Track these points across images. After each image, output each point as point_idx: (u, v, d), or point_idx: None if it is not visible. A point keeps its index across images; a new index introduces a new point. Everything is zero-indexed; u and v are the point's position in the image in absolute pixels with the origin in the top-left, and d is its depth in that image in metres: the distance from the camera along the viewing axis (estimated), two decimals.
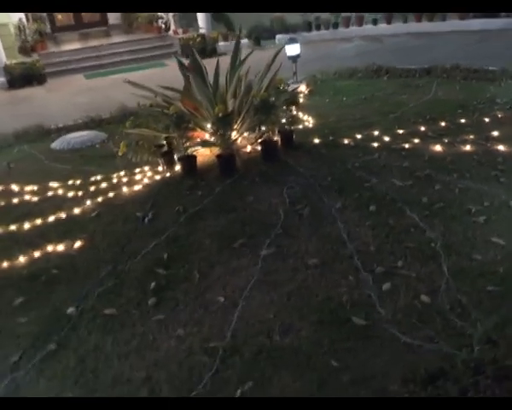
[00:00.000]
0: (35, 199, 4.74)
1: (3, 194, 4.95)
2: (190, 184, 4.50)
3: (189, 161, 4.60)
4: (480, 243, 3.45)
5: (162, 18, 13.98)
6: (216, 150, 4.78)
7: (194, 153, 4.79)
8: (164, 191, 4.49)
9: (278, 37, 13.93)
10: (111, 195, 4.55)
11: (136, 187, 4.62)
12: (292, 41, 7.67)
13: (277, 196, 4.23)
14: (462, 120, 5.82)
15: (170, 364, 2.70)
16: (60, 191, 4.82)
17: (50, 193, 4.82)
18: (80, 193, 4.72)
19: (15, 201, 4.76)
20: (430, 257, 3.35)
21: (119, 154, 4.84)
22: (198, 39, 12.69)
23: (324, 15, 14.04)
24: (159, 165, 4.96)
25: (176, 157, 4.76)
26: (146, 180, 4.73)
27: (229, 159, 4.51)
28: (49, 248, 3.85)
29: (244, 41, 13.64)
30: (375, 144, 5.22)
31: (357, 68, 8.74)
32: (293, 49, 7.58)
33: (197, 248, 3.67)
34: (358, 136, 5.46)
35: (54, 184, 4.98)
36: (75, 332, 3.00)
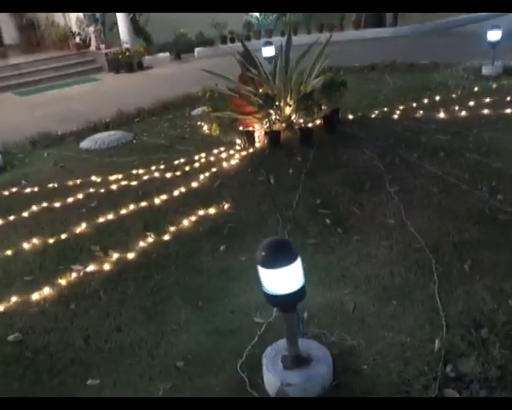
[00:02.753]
0: (134, 183, 5.05)
1: (91, 184, 5.16)
2: (284, 154, 5.20)
3: (275, 135, 5.30)
4: None
5: (80, 34, 13.93)
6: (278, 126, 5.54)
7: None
8: (265, 161, 5.13)
9: (197, 50, 14.68)
10: (214, 170, 5.07)
11: (233, 162, 5.19)
12: (268, 44, 8.55)
13: (362, 154, 5.14)
14: (437, 98, 7.22)
15: (397, 263, 3.47)
16: (156, 174, 5.18)
17: (145, 177, 5.16)
18: (178, 173, 5.15)
19: (114, 187, 5.02)
20: (507, 176, 4.51)
21: (213, 134, 5.38)
22: (127, 53, 12.94)
23: (238, 29, 15.13)
24: (233, 145, 5.56)
25: (258, 134, 5.42)
26: (237, 156, 5.31)
27: (308, 132, 5.31)
28: (201, 212, 4.32)
29: (165, 55, 14.24)
30: (395, 116, 6.38)
31: None
32: (268, 51, 8.47)
33: (336, 194, 4.44)
34: (376, 111, 6.57)
35: (140, 171, 5.31)
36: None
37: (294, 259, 2.30)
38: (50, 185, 5.27)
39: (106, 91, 11.03)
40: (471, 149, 5.19)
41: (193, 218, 4.25)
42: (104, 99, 9.90)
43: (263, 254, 2.29)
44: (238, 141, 5.59)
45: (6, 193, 5.24)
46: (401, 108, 6.78)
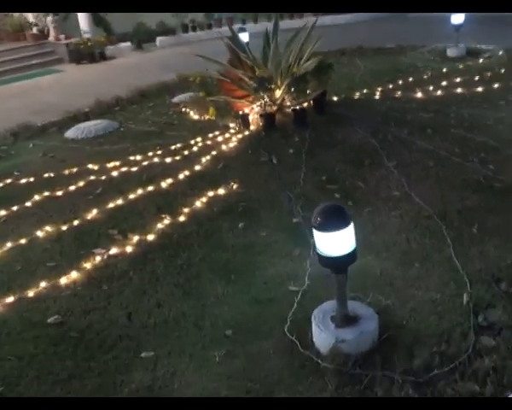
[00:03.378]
0: (135, 169, 5.08)
1: (90, 172, 5.15)
2: (280, 135, 5.35)
3: (270, 117, 5.43)
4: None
5: (37, 25, 13.55)
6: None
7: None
8: (263, 142, 5.26)
9: (159, 39, 14.56)
10: (214, 153, 5.16)
11: (231, 144, 5.30)
12: (241, 30, 8.64)
13: (355, 133, 5.35)
14: (410, 79, 7.54)
15: (410, 230, 3.69)
16: (155, 160, 5.22)
17: (145, 163, 5.19)
18: (178, 157, 5.21)
19: (115, 174, 5.03)
20: (493, 148, 4.83)
21: (211, 118, 5.45)
22: (89, 44, 12.70)
23: (199, 18, 15.09)
24: (227, 128, 5.66)
25: (252, 117, 5.54)
26: (234, 139, 5.42)
27: (302, 113, 5.48)
28: (210, 193, 4.41)
29: (126, 45, 14.05)
30: (377, 97, 6.64)
31: None
32: (243, 38, 8.55)
33: (339, 170, 4.63)
34: (357, 93, 6.82)
35: (137, 157, 5.33)
36: None
37: (348, 223, 2.46)
38: (46, 175, 5.22)
39: (73, 82, 10.82)
40: (454, 125, 5.50)
41: (203, 199, 4.34)
42: (74, 90, 9.74)
43: (319, 218, 2.45)
44: (232, 124, 5.69)
45: (0, 184, 5.14)
46: (379, 89, 7.04)
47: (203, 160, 5.03)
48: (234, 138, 5.43)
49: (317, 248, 2.52)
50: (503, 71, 7.55)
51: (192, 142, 5.55)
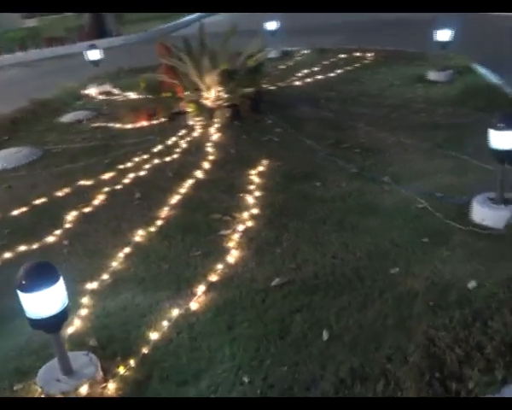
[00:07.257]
0: (143, 173, 4.93)
1: (90, 187, 4.77)
2: (252, 121, 5.80)
3: (236, 107, 5.85)
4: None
5: None
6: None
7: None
8: (245, 127, 5.64)
9: None
10: (210, 144, 5.34)
11: (215, 135, 5.54)
12: (92, 47, 8.48)
13: (305, 110, 6.23)
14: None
15: (435, 154, 4.82)
16: (155, 161, 5.13)
17: (147, 166, 5.05)
18: (176, 155, 5.23)
19: (127, 181, 4.82)
20: (403, 106, 6.34)
21: (191, 112, 5.54)
22: None
23: None
24: (188, 126, 5.87)
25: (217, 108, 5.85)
26: (212, 131, 5.65)
27: (257, 100, 6.06)
28: (252, 172, 4.69)
29: None
30: (273, 88, 7.59)
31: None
32: (94, 55, 8.42)
33: (334, 135, 5.43)
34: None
35: (128, 164, 5.14)
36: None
37: None
38: (38, 202, 4.62)
39: None
40: (359, 95, 6.86)
41: (252, 177, 4.62)
42: None
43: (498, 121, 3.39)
44: (191, 122, 5.91)
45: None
46: (263, 84, 7.97)
47: (210, 150, 5.19)
48: (212, 130, 5.66)
49: (491, 144, 3.43)
50: (327, 62, 9.30)
51: (169, 142, 5.57)
